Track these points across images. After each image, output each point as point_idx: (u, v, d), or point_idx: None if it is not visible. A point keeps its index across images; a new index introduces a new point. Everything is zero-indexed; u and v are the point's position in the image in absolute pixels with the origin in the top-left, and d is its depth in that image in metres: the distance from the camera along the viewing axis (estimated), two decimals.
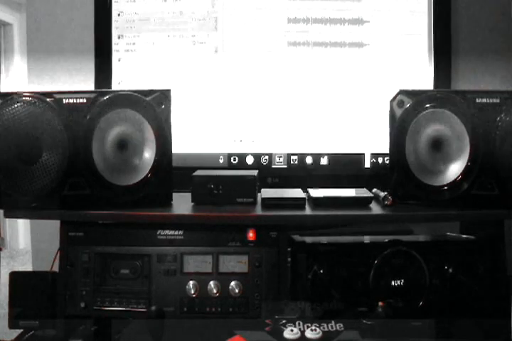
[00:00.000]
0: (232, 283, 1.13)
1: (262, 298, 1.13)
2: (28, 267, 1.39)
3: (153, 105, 1.14)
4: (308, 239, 1.19)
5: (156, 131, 1.14)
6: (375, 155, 1.38)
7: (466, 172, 1.11)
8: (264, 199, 1.17)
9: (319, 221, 1.16)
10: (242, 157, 1.40)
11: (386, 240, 1.17)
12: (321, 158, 1.39)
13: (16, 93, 1.12)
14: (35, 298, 1.19)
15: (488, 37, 1.51)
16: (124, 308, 1.14)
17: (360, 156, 1.39)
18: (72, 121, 1.11)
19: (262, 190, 1.23)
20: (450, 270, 1.16)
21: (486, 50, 1.50)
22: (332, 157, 1.39)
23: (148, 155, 1.15)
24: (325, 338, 1.00)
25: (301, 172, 1.39)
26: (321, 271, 1.14)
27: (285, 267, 1.14)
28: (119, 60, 1.42)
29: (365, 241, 1.23)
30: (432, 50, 1.41)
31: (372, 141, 1.39)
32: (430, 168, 1.14)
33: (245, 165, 1.39)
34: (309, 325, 1.03)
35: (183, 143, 1.38)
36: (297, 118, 1.40)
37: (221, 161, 1.40)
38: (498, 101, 1.12)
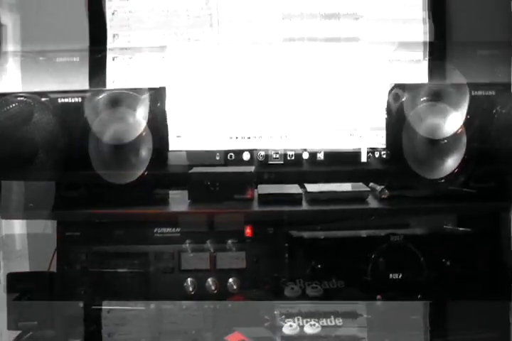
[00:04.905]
0: (230, 280, 1.13)
1: (260, 293, 1.13)
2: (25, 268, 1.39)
3: (149, 103, 1.14)
4: (306, 234, 1.19)
5: (151, 129, 1.14)
6: (371, 150, 1.38)
7: (462, 165, 1.11)
8: (261, 196, 1.17)
9: (316, 216, 1.16)
10: (238, 154, 1.39)
11: (383, 234, 1.17)
12: (318, 154, 1.38)
13: (10, 93, 1.12)
14: (33, 299, 1.18)
15: (485, 29, 1.50)
16: (122, 307, 1.14)
17: (357, 151, 1.38)
18: (68, 121, 1.11)
19: (259, 186, 1.23)
20: (447, 263, 1.16)
21: (482, 42, 1.50)
22: (328, 152, 1.38)
23: (145, 153, 1.15)
24: (324, 333, 1.00)
25: (298, 167, 1.39)
26: (319, 266, 1.15)
27: (283, 263, 1.14)
28: (114, 59, 1.42)
29: (363, 236, 1.23)
30: (427, 43, 1.41)
31: (369, 135, 1.39)
32: (427, 161, 1.14)
33: (242, 162, 1.39)
34: (308, 320, 1.03)
35: (179, 141, 1.38)
36: (293, 114, 1.40)
37: (218, 158, 1.40)
38: (493, 93, 1.12)
